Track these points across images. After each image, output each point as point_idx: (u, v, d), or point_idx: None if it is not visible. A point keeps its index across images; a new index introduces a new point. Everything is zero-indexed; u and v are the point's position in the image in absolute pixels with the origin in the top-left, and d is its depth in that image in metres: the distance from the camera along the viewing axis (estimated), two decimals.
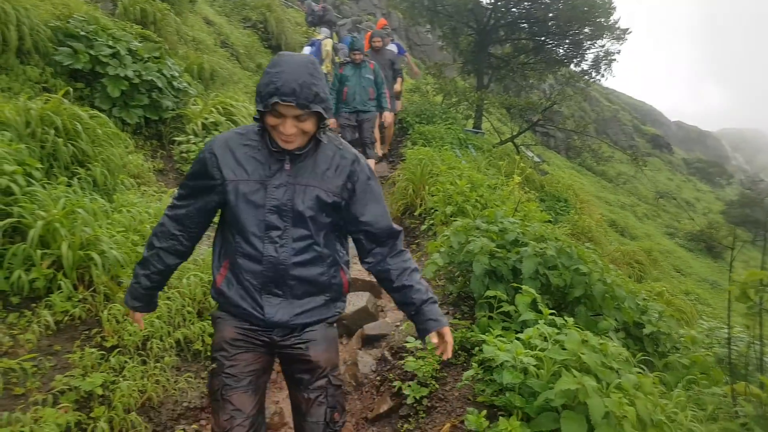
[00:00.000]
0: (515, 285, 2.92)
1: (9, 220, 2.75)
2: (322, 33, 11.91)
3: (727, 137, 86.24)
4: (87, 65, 5.23)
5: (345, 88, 7.30)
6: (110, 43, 5.45)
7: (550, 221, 4.55)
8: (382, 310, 4.72)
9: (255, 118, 1.84)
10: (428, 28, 15.30)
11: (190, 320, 3.23)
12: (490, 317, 2.96)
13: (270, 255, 1.85)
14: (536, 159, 17.07)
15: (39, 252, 2.75)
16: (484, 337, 2.63)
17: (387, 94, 7.47)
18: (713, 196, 41.96)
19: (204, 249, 3.82)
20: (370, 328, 4.21)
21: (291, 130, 1.76)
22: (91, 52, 5.29)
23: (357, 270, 5.42)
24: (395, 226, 2.03)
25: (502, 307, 2.93)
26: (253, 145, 1.88)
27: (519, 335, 2.60)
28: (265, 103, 1.71)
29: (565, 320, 2.65)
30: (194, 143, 5.37)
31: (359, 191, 1.93)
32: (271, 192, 1.84)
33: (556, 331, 2.55)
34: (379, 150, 8.98)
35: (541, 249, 3.05)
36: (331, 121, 6.96)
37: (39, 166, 3.27)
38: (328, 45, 11.41)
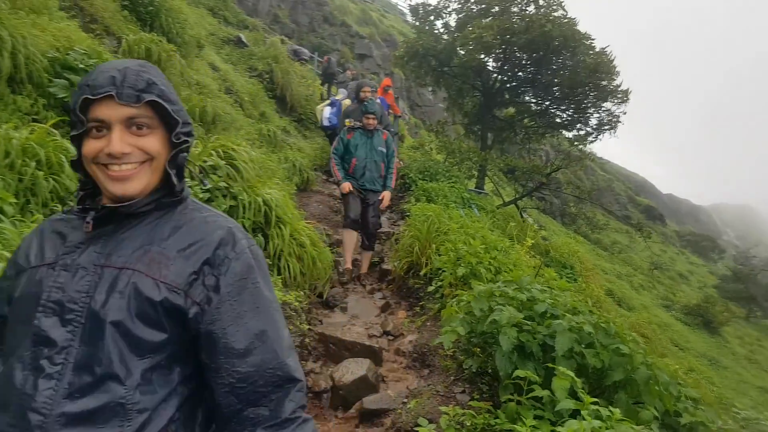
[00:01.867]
0: (550, 365, 2.52)
1: None
2: (341, 93, 11.68)
3: (719, 212, 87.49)
4: None
5: (353, 159, 6.33)
6: None
7: (570, 290, 4.18)
8: (384, 381, 4.25)
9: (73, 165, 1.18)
10: (432, 89, 15.48)
11: None
12: (519, 402, 2.54)
13: (25, 393, 0.99)
14: (534, 224, 16.94)
15: None
16: (514, 427, 2.22)
17: (395, 170, 6.58)
18: (706, 270, 41.95)
19: None
20: (371, 402, 3.74)
21: (120, 147, 1.07)
22: None
23: (355, 333, 5.02)
24: (292, 366, 1.13)
25: (532, 390, 2.52)
26: (72, 217, 1.20)
27: (557, 429, 2.19)
28: (76, 116, 1.08)
29: (611, 411, 2.25)
30: (190, 186, 5.03)
31: (227, 295, 1.11)
32: (55, 278, 1.08)
33: (603, 425, 2.15)
34: None
35: (577, 324, 2.67)
36: (344, 185, 6.26)
37: (13, 200, 2.91)
38: (319, 109, 11.27)
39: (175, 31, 8.77)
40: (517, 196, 13.72)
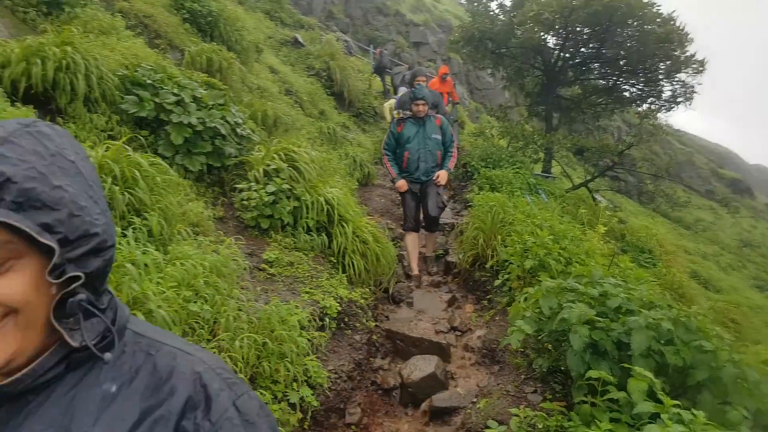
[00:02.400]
0: (626, 365, 2.39)
1: None
2: (401, 90, 11.56)
3: None
4: (152, 113, 5.20)
5: (405, 153, 5.94)
6: (175, 90, 5.43)
7: (647, 279, 3.96)
8: (453, 378, 4.23)
9: None
10: (491, 72, 15.12)
11: None
12: (593, 404, 2.44)
13: None
14: (609, 205, 16.26)
15: None
16: (588, 431, 2.12)
17: (455, 153, 6.13)
18: None
19: (260, 306, 3.52)
20: (440, 400, 3.73)
21: None
22: (156, 99, 5.27)
23: (422, 328, 5.00)
24: None
25: (607, 391, 2.40)
26: None
27: None
28: None
29: (693, 414, 2.11)
30: (255, 190, 5.18)
31: None
32: None
33: (686, 430, 2.02)
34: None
35: (654, 320, 2.51)
36: (399, 183, 6.07)
37: None
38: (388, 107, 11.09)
39: (234, 38, 9.02)
40: (587, 178, 13.16)
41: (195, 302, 3.03)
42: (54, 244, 0.67)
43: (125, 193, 3.60)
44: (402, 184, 6.03)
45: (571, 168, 17.76)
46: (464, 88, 28.16)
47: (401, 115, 6.18)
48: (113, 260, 0.78)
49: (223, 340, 2.97)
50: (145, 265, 3.00)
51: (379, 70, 16.80)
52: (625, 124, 28.38)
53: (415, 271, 6.15)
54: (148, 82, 5.41)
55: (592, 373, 2.40)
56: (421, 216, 6.19)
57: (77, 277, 0.70)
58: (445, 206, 6.30)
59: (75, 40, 5.01)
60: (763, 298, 19.95)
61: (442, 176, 5.98)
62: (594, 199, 12.63)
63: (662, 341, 2.54)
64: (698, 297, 9.23)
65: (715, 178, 44.46)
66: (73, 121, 4.74)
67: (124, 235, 3.27)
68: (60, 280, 0.69)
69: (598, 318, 2.73)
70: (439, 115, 6.09)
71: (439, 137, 5.94)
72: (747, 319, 11.86)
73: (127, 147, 3.98)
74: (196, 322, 3.00)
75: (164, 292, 2.90)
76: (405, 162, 5.93)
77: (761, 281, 23.51)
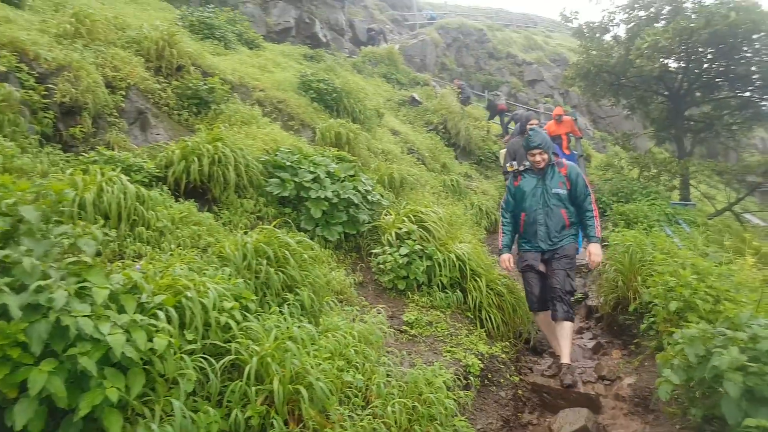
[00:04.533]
0: None
1: (228, 357, 2.92)
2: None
3: None
4: (293, 192, 5.77)
5: (522, 214, 4.81)
6: (311, 169, 5.99)
7: None
8: (606, 430, 4.04)
9: None
10: (612, 102, 14.56)
11: None
12: None
13: None
14: (762, 223, 14.52)
15: (254, 388, 2.84)
16: None
17: (596, 212, 4.75)
18: None
19: (406, 369, 3.68)
20: None
21: None
22: (296, 179, 5.84)
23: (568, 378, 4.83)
24: None
25: None
26: None
27: None
28: None
29: None
30: (390, 254, 5.47)
31: None
32: None
33: None
34: None
35: None
36: (503, 258, 4.96)
37: (253, 298, 3.51)
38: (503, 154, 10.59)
39: (358, 109, 9.75)
40: (730, 201, 11.97)
41: (348, 371, 3.28)
42: None
43: (279, 272, 4.02)
44: (504, 259, 4.90)
45: (715, 188, 16.20)
46: (586, 119, 27.18)
47: (515, 168, 5.01)
48: None
49: (376, 406, 3.17)
50: (302, 338, 3.32)
51: (492, 112, 16.79)
52: None
53: (564, 359, 4.68)
54: (287, 163, 6.02)
55: (750, 422, 2.25)
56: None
57: None
58: (575, 291, 4.80)
59: (223, 136, 5.76)
60: None
61: (594, 253, 4.67)
62: (740, 222, 11.39)
63: None
64: None
65: None
66: (227, 207, 5.40)
67: (281, 312, 3.65)
68: None
69: (750, 364, 2.54)
70: (567, 162, 4.87)
71: (565, 191, 4.67)
72: None
73: (276, 229, 4.46)
74: (350, 390, 3.24)
75: (320, 364, 3.18)
76: (522, 226, 4.82)
77: None
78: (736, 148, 15.46)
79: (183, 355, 2.70)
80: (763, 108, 12.20)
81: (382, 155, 9.18)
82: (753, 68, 11.62)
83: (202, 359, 2.82)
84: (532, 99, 25.67)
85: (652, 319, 4.81)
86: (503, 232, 4.96)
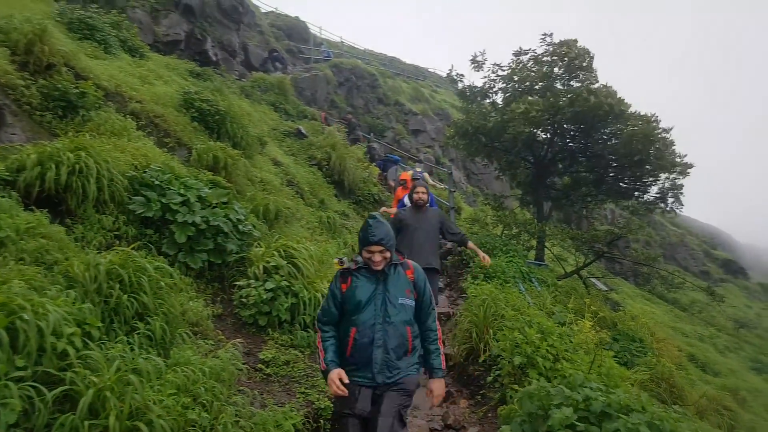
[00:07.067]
0: None
1: (60, 388, 2.69)
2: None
3: None
4: (158, 213, 5.50)
5: (352, 330, 3.17)
6: (181, 191, 5.76)
7: (628, 378, 4.08)
8: None
9: None
10: (484, 164, 15.78)
11: None
12: None
13: None
14: (604, 288, 16.34)
15: (87, 423, 2.63)
16: None
17: (439, 333, 3.40)
18: None
19: (257, 409, 3.61)
20: None
21: None
22: (163, 200, 5.58)
23: (416, 425, 5.03)
24: None
25: None
26: None
27: None
28: None
29: None
30: (254, 287, 5.38)
31: None
32: None
33: None
34: None
35: (633, 425, 2.65)
36: (332, 377, 3.01)
37: (99, 324, 3.28)
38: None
39: (240, 135, 9.56)
40: (578, 265, 13.42)
41: (194, 409, 3.16)
42: None
43: (131, 299, 3.80)
44: (335, 378, 3.06)
45: (569, 251, 18.04)
46: (461, 173, 29.00)
47: (344, 265, 3.38)
48: None
49: None
50: (147, 371, 3.15)
51: (353, 141, 16.80)
52: (619, 207, 29.00)
53: None
54: (156, 183, 5.74)
55: None
56: None
57: None
58: None
59: (88, 144, 5.37)
60: (762, 381, 19.57)
61: (436, 390, 3.38)
62: (586, 285, 12.78)
63: None
64: (691, 385, 9.19)
65: (708, 259, 44.70)
66: (82, 222, 5.01)
67: (129, 342, 3.43)
68: None
69: (579, 423, 2.86)
70: (413, 264, 3.41)
71: (411, 302, 3.27)
72: (743, 405, 11.66)
73: (134, 252, 4.22)
74: (194, 429, 3.11)
75: (163, 400, 3.03)
76: (350, 346, 3.16)
77: (759, 363, 23.13)
78: (589, 216, 17.37)
79: (8, 381, 2.46)
80: (616, 187, 13.85)
81: (260, 184, 9.06)
82: (608, 149, 13.26)
83: (30, 387, 2.59)
84: (414, 147, 26.90)
85: (498, 372, 5.17)
86: (323, 348, 3.22)
